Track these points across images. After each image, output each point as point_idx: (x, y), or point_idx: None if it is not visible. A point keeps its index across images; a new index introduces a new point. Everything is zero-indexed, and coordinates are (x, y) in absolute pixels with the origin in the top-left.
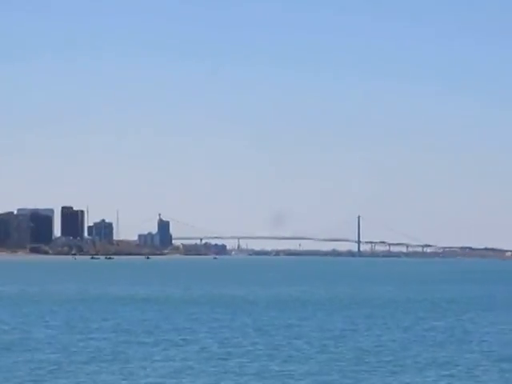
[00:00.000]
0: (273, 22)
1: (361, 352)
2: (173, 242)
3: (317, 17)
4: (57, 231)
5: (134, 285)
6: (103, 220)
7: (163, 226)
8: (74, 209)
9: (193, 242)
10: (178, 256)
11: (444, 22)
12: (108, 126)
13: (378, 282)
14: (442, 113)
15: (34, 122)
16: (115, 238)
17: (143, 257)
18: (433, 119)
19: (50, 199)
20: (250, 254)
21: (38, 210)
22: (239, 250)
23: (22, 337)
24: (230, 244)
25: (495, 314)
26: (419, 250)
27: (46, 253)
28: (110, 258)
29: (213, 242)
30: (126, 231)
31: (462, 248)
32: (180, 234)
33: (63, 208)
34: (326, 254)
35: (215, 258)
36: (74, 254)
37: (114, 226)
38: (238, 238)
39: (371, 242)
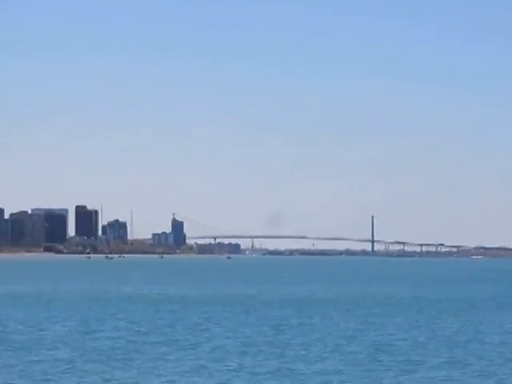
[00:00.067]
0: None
1: (374, 351)
2: (187, 241)
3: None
4: (71, 231)
5: (147, 284)
6: (117, 219)
7: (177, 225)
8: (88, 208)
9: (206, 241)
10: (191, 255)
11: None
12: (121, 126)
13: (392, 282)
14: (453, 112)
15: (47, 122)
16: (129, 237)
17: (157, 256)
18: (446, 118)
19: (65, 199)
20: (264, 254)
21: (52, 209)
22: (253, 249)
23: (36, 336)
24: (244, 243)
25: (508, 313)
26: (433, 249)
27: (61, 252)
28: (123, 258)
29: (226, 241)
30: (140, 231)
31: (475, 247)
32: (194, 233)
33: (77, 207)
34: (339, 253)
35: (229, 258)
36: (89, 253)
37: (128, 225)
38: (252, 238)
39: (385, 242)
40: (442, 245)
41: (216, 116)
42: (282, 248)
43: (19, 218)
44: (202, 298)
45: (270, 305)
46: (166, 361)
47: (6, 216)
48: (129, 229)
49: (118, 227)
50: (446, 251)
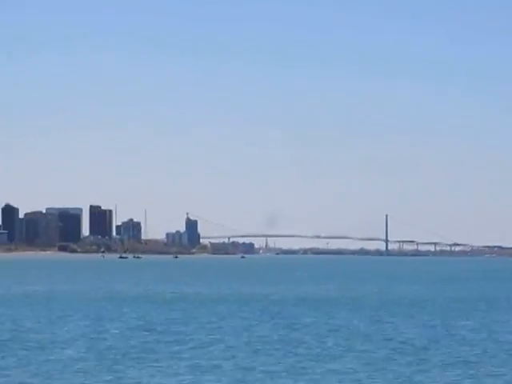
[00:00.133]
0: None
1: (388, 350)
2: (201, 240)
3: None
4: (85, 230)
5: (161, 284)
6: (131, 219)
7: (191, 225)
8: (103, 208)
9: (221, 240)
10: (205, 255)
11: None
12: (135, 125)
13: (406, 281)
14: (467, 111)
15: (61, 122)
16: (143, 237)
17: (171, 256)
18: (460, 117)
19: (79, 198)
20: (278, 253)
21: (66, 209)
22: (267, 248)
23: (50, 335)
24: (258, 243)
25: None
26: (447, 248)
27: (75, 251)
28: (138, 257)
29: (240, 240)
30: (154, 230)
31: (490, 247)
32: (208, 232)
33: (91, 207)
34: (353, 252)
35: (243, 257)
36: (103, 252)
37: (142, 225)
38: (266, 237)
39: (399, 241)
40: (456, 244)
41: (222, 115)
42: (296, 247)
43: (33, 218)
44: (215, 296)
45: (283, 304)
46: (179, 359)
47: (21, 215)
48: (143, 228)
49: (132, 227)
50: (460, 250)
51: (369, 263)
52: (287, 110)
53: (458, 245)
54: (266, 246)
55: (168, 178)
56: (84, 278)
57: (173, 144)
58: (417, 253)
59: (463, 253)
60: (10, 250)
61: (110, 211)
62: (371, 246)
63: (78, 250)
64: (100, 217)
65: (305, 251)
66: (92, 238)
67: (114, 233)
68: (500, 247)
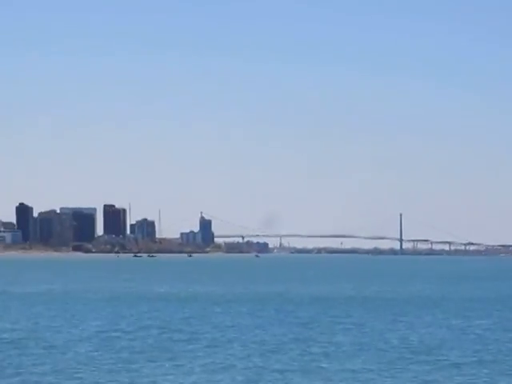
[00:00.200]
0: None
1: (402, 349)
2: (215, 240)
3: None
4: (99, 229)
5: (176, 283)
6: (145, 218)
7: (205, 224)
8: (117, 207)
9: (235, 240)
10: (220, 254)
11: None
12: (149, 125)
13: (420, 280)
14: (484, 110)
15: (74, 122)
16: (157, 236)
17: (185, 255)
18: (476, 115)
19: (93, 198)
20: (292, 252)
21: (80, 208)
22: (281, 247)
23: (66, 334)
24: (272, 242)
25: None
26: (462, 248)
27: (89, 251)
28: (152, 256)
29: (255, 240)
30: (168, 229)
31: (505, 246)
32: (222, 232)
33: (105, 206)
34: (367, 252)
35: (257, 256)
36: (117, 252)
37: (157, 224)
38: (280, 236)
39: (413, 240)
40: (470, 243)
41: (237, 115)
42: (310, 246)
43: (48, 217)
44: (230, 296)
45: (298, 303)
46: (194, 358)
47: (35, 215)
48: (157, 227)
49: (146, 226)
50: (475, 250)
51: (383, 262)
52: (302, 109)
53: (472, 244)
54: (280, 245)
55: (182, 177)
56: (99, 277)
57: (187, 143)
58: (431, 252)
59: (478, 252)
60: (24, 250)
61: (124, 210)
62: (385, 245)
63: (92, 249)
64: (114, 216)
65: (319, 250)
66: (106, 237)
67: (128, 232)
68: None
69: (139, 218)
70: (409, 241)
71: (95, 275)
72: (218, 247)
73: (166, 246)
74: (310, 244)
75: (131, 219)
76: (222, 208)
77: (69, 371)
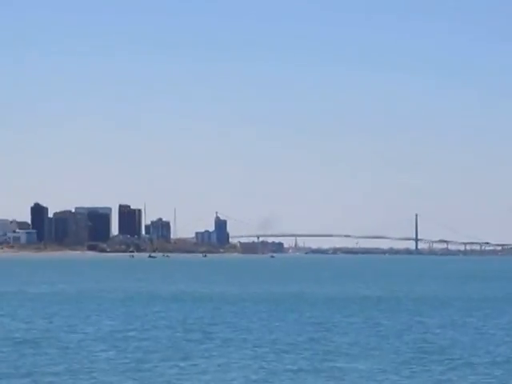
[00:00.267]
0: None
1: (417, 349)
2: (230, 240)
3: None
4: (114, 229)
5: (190, 283)
6: (160, 218)
7: (220, 224)
8: (132, 207)
9: (250, 240)
10: (235, 254)
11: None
12: (167, 127)
13: (436, 280)
14: (492, 111)
15: (89, 122)
16: (172, 236)
17: (200, 255)
18: (494, 116)
19: (108, 198)
20: (307, 253)
21: (95, 208)
22: (296, 248)
23: (80, 334)
24: (288, 242)
25: None
26: (478, 248)
27: (104, 251)
28: (167, 256)
29: (270, 240)
30: (183, 229)
31: None
32: (237, 232)
33: (121, 206)
34: (383, 252)
35: (272, 257)
36: (132, 252)
37: (172, 224)
38: (296, 236)
39: (429, 241)
40: (486, 243)
41: (252, 115)
42: (326, 246)
43: (63, 217)
44: (245, 296)
45: (312, 303)
46: (208, 358)
47: (50, 215)
48: (172, 228)
49: (161, 226)
50: (491, 250)
51: (398, 262)
52: (316, 109)
53: (488, 244)
54: (296, 245)
55: (198, 177)
56: (113, 277)
57: (203, 143)
58: (447, 252)
59: (494, 252)
60: (39, 250)
61: (139, 210)
62: (401, 245)
63: (107, 249)
64: (129, 216)
65: (334, 251)
66: (121, 237)
67: (143, 232)
68: None
69: (154, 219)
70: (425, 241)
71: (110, 275)
72: (233, 247)
73: (181, 246)
74: (326, 244)
75: (146, 219)
76: (238, 208)
77: (83, 371)
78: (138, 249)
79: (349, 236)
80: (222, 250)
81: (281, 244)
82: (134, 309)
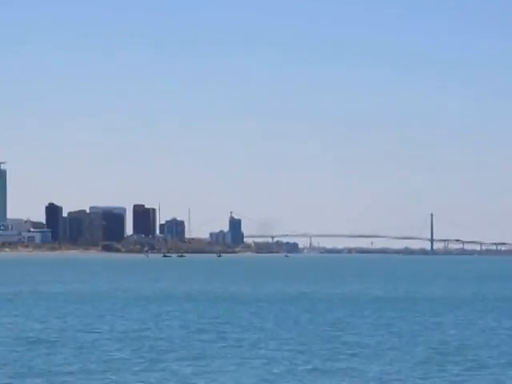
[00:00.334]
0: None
1: (432, 350)
2: (244, 239)
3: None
4: (129, 229)
5: (205, 282)
6: (175, 218)
7: (235, 223)
8: (146, 207)
9: (264, 240)
10: (249, 254)
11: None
12: (182, 126)
13: (452, 280)
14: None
15: (103, 123)
16: (187, 235)
17: (215, 255)
18: (497, 113)
19: (122, 197)
20: (322, 252)
21: (110, 208)
22: (311, 248)
23: (95, 334)
24: (302, 242)
25: None
26: (493, 247)
27: (118, 251)
28: (181, 256)
29: (284, 240)
30: (198, 229)
31: None
32: (252, 232)
33: (135, 206)
34: (398, 252)
35: (287, 256)
36: (147, 251)
37: (186, 223)
38: (310, 236)
39: (444, 240)
40: (502, 243)
41: (265, 114)
42: (340, 246)
43: (77, 217)
44: (260, 296)
45: (327, 303)
46: (223, 358)
47: (65, 214)
48: (186, 227)
49: (175, 226)
50: (506, 249)
51: (413, 262)
52: (335, 111)
53: (504, 244)
54: (310, 245)
55: (212, 176)
56: (128, 277)
57: (217, 143)
58: (462, 252)
59: (509, 252)
60: (53, 249)
61: (154, 210)
62: (416, 245)
63: (122, 249)
64: (144, 216)
65: (349, 250)
66: (135, 237)
67: (157, 232)
68: None
69: (169, 218)
70: (440, 241)
71: (124, 275)
72: (248, 247)
73: (196, 246)
74: (340, 244)
75: (161, 219)
76: (252, 208)
77: (97, 371)
78: (153, 248)
79: (363, 236)
80: (236, 250)
81: (295, 244)
82: (148, 308)
